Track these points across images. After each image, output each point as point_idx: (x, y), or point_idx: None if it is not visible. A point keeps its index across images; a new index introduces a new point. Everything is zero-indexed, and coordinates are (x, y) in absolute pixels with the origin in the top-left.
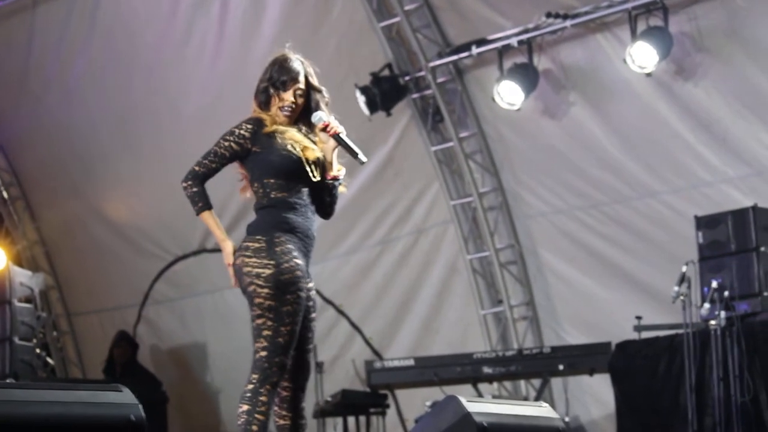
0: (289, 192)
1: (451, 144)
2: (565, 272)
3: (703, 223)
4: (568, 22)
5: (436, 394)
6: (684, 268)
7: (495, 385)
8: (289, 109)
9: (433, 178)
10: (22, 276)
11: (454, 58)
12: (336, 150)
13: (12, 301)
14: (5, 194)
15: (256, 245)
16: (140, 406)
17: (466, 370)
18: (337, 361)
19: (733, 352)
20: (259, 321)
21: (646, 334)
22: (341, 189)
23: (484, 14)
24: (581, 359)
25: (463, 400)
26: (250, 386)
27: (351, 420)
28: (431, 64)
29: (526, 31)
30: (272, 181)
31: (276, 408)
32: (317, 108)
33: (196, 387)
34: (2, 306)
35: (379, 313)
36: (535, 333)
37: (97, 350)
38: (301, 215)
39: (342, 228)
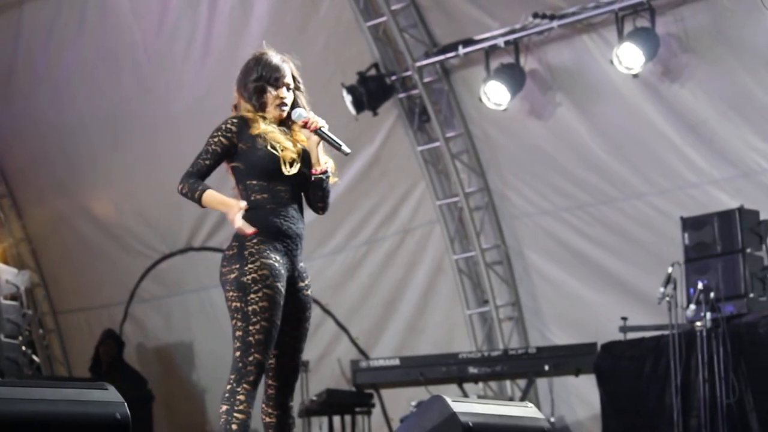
0: (270, 193)
1: (437, 144)
2: (550, 273)
3: (689, 224)
4: (555, 23)
5: (421, 393)
6: (670, 270)
7: (480, 385)
8: (285, 105)
9: (420, 178)
10: (8, 273)
11: (441, 58)
12: (320, 144)
13: None
14: None
15: (230, 252)
16: (125, 405)
17: (451, 370)
18: (323, 361)
19: (719, 353)
20: (232, 323)
21: (631, 335)
22: (333, 180)
23: (471, 14)
24: (567, 360)
25: (448, 400)
26: (228, 386)
27: (336, 419)
28: (418, 64)
29: (513, 31)
30: (254, 182)
31: (263, 406)
32: (297, 105)
33: (182, 385)
34: None
35: (365, 313)
36: (520, 333)
37: (83, 348)
38: (282, 215)
39: (328, 227)
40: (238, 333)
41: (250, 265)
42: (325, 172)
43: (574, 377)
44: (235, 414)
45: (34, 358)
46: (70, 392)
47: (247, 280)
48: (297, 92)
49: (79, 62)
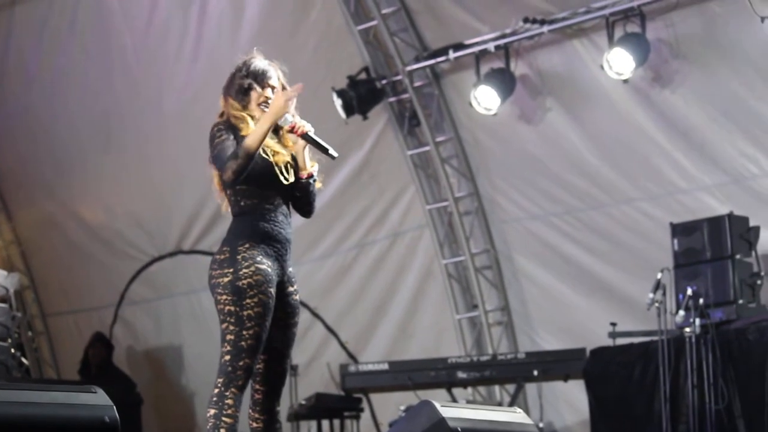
0: (260, 198)
1: (427, 148)
2: (540, 278)
3: (679, 230)
4: (545, 28)
5: (410, 398)
6: (659, 275)
7: (469, 390)
8: (268, 104)
9: (409, 182)
10: None
11: (431, 62)
12: (306, 148)
13: None
14: None
15: (221, 257)
16: (114, 408)
17: (440, 374)
18: (312, 365)
19: (708, 359)
20: (223, 326)
21: (620, 341)
22: (317, 185)
23: (462, 19)
24: (556, 365)
25: (437, 404)
26: (216, 390)
27: (325, 423)
28: (408, 68)
29: (504, 36)
30: (243, 188)
31: (250, 411)
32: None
33: (172, 388)
34: None
35: (354, 317)
36: (509, 338)
37: (72, 351)
38: (272, 221)
39: (317, 231)
40: (230, 337)
41: (244, 270)
42: (312, 176)
43: (563, 382)
44: (224, 418)
45: (23, 360)
46: (59, 395)
47: (243, 284)
48: None
49: (70, 64)
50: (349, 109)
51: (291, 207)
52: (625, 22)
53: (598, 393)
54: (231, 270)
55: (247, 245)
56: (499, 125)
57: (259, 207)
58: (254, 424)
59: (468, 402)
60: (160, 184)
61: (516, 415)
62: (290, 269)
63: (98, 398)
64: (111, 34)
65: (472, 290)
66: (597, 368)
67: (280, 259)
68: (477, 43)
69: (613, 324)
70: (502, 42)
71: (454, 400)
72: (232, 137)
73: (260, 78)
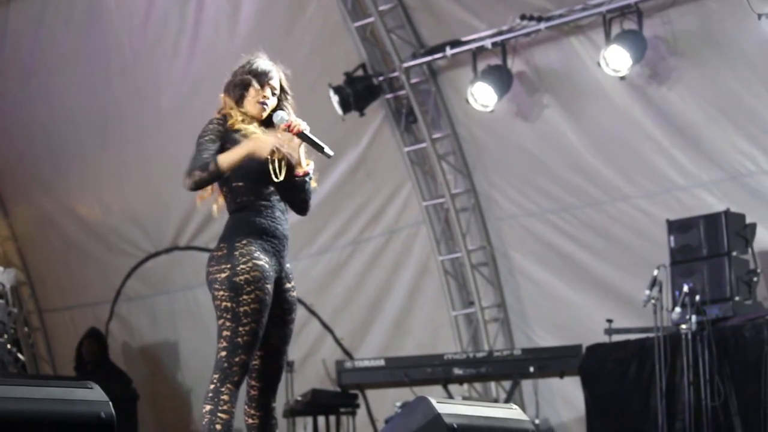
0: (256, 194)
1: (424, 145)
2: (536, 275)
3: (675, 227)
4: (542, 25)
5: (406, 394)
6: (655, 272)
7: (465, 386)
8: (266, 103)
9: (406, 179)
10: None
11: (428, 59)
12: (302, 146)
13: None
14: None
15: (219, 254)
16: (110, 404)
17: (436, 371)
18: (308, 361)
19: (704, 356)
20: (219, 322)
21: (616, 338)
22: (313, 184)
23: (459, 16)
24: (552, 362)
25: (433, 401)
26: (212, 386)
27: (321, 420)
28: (405, 65)
29: (500, 33)
30: (240, 184)
31: (246, 407)
32: (281, 109)
33: (168, 385)
34: None
35: (350, 313)
36: (506, 335)
37: (68, 347)
38: (269, 217)
39: (313, 228)
40: (226, 333)
41: (242, 266)
42: (308, 173)
43: (559, 379)
44: (219, 414)
45: (20, 356)
46: (55, 391)
47: (240, 280)
48: (283, 102)
49: (65, 62)
50: (345, 106)
51: (287, 204)
52: (622, 19)
53: (594, 390)
54: (228, 266)
55: (244, 242)
56: (495, 122)
57: (255, 203)
58: (250, 420)
59: (464, 398)
60: (157, 181)
61: (512, 412)
62: (287, 265)
63: (94, 394)
64: (107, 31)
65: (469, 287)
66: (593, 365)
67: (277, 255)
68: (474, 40)
69: (610, 321)
70: (499, 39)
71: (450, 396)
72: (215, 145)
73: (261, 77)
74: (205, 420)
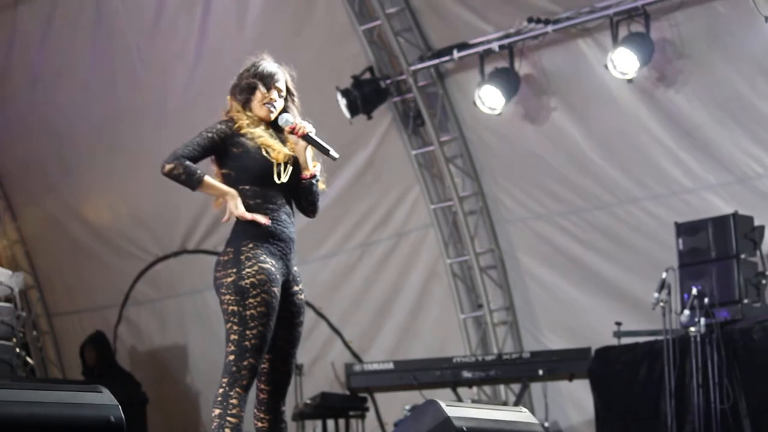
0: (264, 198)
1: (431, 148)
2: (544, 277)
3: (684, 229)
4: (550, 28)
5: (415, 397)
6: (664, 275)
7: (474, 389)
8: (273, 105)
9: (414, 182)
10: (2, 275)
11: (436, 62)
12: (308, 149)
13: None
14: None
15: (225, 258)
16: (120, 407)
17: (445, 374)
18: (317, 364)
19: (713, 359)
20: (227, 326)
21: (625, 340)
22: (321, 186)
23: (466, 18)
24: (561, 364)
25: (442, 404)
26: (221, 390)
27: (330, 423)
28: (412, 68)
29: (508, 35)
30: (247, 187)
31: (255, 411)
32: (287, 112)
33: (176, 388)
34: None
35: (358, 317)
36: (514, 338)
37: (76, 350)
38: (275, 220)
39: (322, 231)
40: (234, 337)
41: (247, 269)
42: (314, 176)
43: (568, 382)
44: (228, 418)
45: (28, 360)
46: (64, 395)
47: (246, 284)
48: (290, 104)
49: (73, 64)
50: (353, 109)
51: (294, 207)
52: (630, 21)
53: (603, 392)
54: (234, 270)
55: (251, 245)
56: (503, 125)
57: (262, 207)
58: (259, 424)
59: (473, 401)
60: (165, 184)
61: (521, 415)
62: (295, 268)
63: (104, 398)
64: (115, 33)
65: (477, 290)
66: (602, 368)
67: (284, 258)
68: (481, 43)
69: (618, 323)
70: (506, 42)
71: (460, 399)
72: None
73: (267, 79)
74: (214, 424)
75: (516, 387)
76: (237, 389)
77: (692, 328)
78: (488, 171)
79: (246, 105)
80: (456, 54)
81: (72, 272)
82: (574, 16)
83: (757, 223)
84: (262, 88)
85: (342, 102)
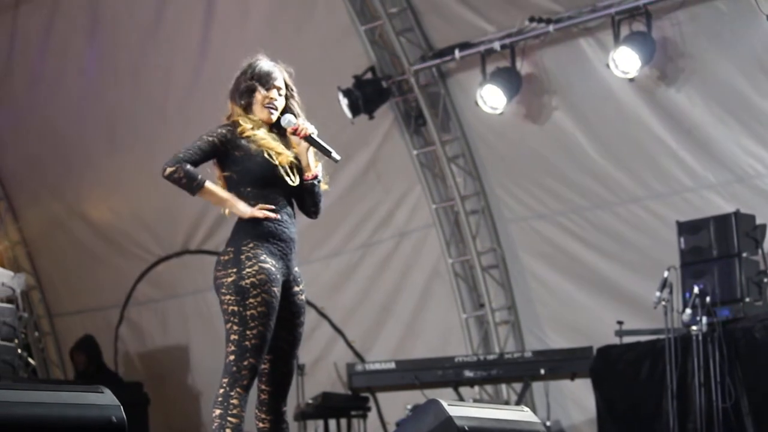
0: (266, 199)
1: (433, 147)
2: (546, 277)
3: (685, 228)
4: (551, 27)
5: (417, 397)
6: (666, 274)
7: (476, 388)
8: (274, 106)
9: (415, 182)
10: (4, 276)
11: (437, 61)
12: (310, 149)
13: None
14: None
15: (225, 258)
16: (121, 408)
17: (447, 373)
18: (319, 364)
19: (715, 357)
20: (227, 326)
21: (627, 339)
22: (323, 186)
23: (467, 18)
24: (562, 364)
25: (444, 403)
26: (221, 390)
27: (332, 423)
28: (414, 68)
29: (509, 35)
30: (249, 189)
31: (256, 411)
32: (287, 112)
33: (178, 388)
34: None
35: (360, 316)
36: (516, 337)
37: None
38: (276, 220)
39: (324, 231)
40: (234, 337)
41: (248, 269)
42: (316, 177)
43: (570, 381)
44: (229, 418)
45: (30, 360)
46: (66, 395)
47: (246, 284)
48: (290, 101)
49: (74, 66)
50: (355, 109)
51: (296, 207)
52: (631, 20)
53: (605, 391)
54: (234, 270)
55: (251, 245)
56: (505, 124)
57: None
58: (261, 425)
59: (475, 401)
60: (167, 184)
61: (523, 414)
62: (296, 269)
63: (105, 398)
64: (116, 35)
65: (479, 289)
66: (604, 367)
67: (285, 258)
68: (483, 42)
69: (620, 322)
70: (507, 41)
71: (461, 398)
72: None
73: (265, 80)
74: (215, 424)
75: (518, 386)
76: (237, 389)
77: (694, 327)
78: (490, 170)
79: (248, 108)
80: (457, 54)
81: (74, 273)
82: (575, 15)
83: (758, 221)
84: (261, 90)
85: (344, 102)
